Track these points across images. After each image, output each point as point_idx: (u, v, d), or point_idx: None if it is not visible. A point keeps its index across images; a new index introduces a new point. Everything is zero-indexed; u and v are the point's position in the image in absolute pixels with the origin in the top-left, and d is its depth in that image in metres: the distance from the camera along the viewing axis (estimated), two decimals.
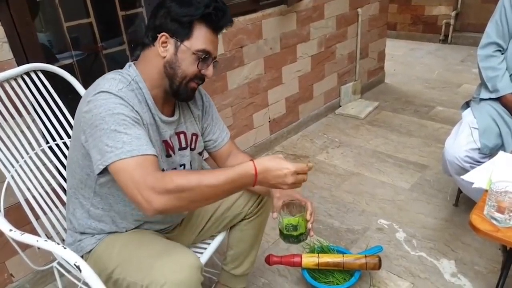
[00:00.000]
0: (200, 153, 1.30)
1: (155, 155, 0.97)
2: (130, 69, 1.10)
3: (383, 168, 2.48)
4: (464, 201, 2.04)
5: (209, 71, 1.09)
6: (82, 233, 1.17)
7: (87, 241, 1.16)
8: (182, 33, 1.05)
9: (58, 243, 1.07)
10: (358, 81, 3.46)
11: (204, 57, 1.06)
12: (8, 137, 1.37)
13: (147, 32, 1.09)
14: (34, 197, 1.37)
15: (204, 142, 1.30)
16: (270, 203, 1.37)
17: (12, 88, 1.39)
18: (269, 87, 2.67)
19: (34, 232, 1.33)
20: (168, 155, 1.16)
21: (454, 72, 4.06)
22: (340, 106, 3.38)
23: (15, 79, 1.40)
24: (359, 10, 3.19)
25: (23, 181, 1.36)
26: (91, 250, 1.16)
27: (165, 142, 1.15)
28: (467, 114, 1.85)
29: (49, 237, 1.39)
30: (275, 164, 0.97)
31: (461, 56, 4.50)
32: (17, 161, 1.37)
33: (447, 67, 4.21)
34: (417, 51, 4.84)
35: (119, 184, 0.95)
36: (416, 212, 2.07)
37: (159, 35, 1.05)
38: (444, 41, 5.01)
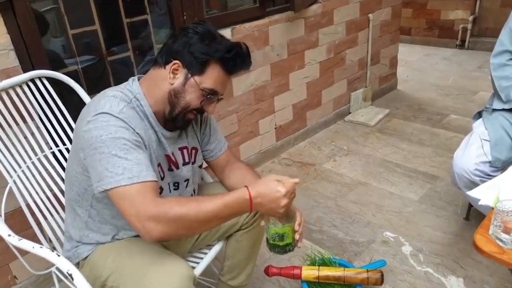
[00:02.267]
0: (200, 166, 1.34)
1: (155, 181, 1.01)
2: (133, 85, 1.12)
3: (391, 178, 2.47)
4: (476, 215, 2.02)
5: (211, 108, 1.14)
6: (78, 241, 1.21)
7: (83, 248, 1.20)
8: (195, 67, 1.07)
9: (52, 250, 1.11)
10: (369, 88, 3.46)
11: (211, 96, 1.10)
12: (12, 142, 1.42)
13: (161, 53, 1.12)
14: (35, 202, 1.42)
15: (203, 151, 1.34)
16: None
17: (17, 95, 1.45)
18: (276, 93, 2.70)
19: (35, 237, 1.38)
20: (170, 169, 1.20)
21: (470, 78, 4.03)
22: (350, 113, 3.39)
23: (21, 86, 1.46)
24: (370, 15, 3.20)
25: (25, 186, 1.41)
26: (87, 257, 1.20)
27: (167, 157, 1.18)
28: (478, 125, 1.82)
29: (49, 242, 1.44)
30: (268, 189, 1.04)
31: (478, 62, 4.46)
32: (20, 166, 1.42)
33: (463, 74, 4.18)
34: (432, 56, 4.81)
35: (118, 208, 0.99)
36: (424, 225, 2.06)
37: (173, 62, 1.07)
38: (461, 46, 4.98)
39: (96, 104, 1.05)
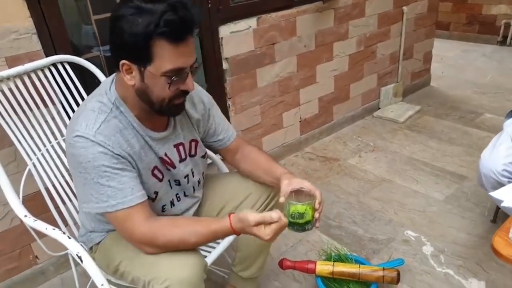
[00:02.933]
0: (203, 156, 1.31)
1: (141, 202, 1.02)
2: (111, 90, 1.06)
3: (417, 177, 2.38)
4: (503, 218, 1.91)
5: (187, 85, 1.01)
6: (91, 231, 1.24)
7: (96, 233, 1.22)
8: (141, 58, 0.95)
9: (64, 233, 1.14)
10: (400, 83, 3.35)
11: (176, 77, 0.97)
12: (33, 125, 1.45)
13: (111, 54, 1.02)
14: (54, 185, 1.45)
15: (210, 142, 1.32)
16: (278, 207, 1.36)
17: (39, 79, 1.48)
18: (302, 85, 2.65)
19: (53, 220, 1.41)
20: (168, 169, 1.18)
21: (510, 77, 3.82)
22: (379, 108, 3.29)
23: (42, 70, 1.49)
24: (404, 8, 3.08)
25: (44, 170, 1.44)
26: (100, 242, 1.21)
27: (161, 159, 1.15)
28: (510, 123, 1.74)
29: (66, 225, 1.47)
30: (245, 220, 1.02)
31: None
32: (39, 150, 1.45)
33: (502, 71, 3.97)
34: (471, 53, 4.60)
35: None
36: (448, 225, 1.98)
37: (120, 63, 0.97)
38: (502, 43, 4.73)
39: (75, 121, 1.03)
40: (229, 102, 2.27)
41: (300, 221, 1.11)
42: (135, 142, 1.07)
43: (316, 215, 1.12)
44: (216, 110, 1.31)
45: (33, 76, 1.47)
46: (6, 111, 1.39)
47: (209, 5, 2.01)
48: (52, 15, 1.55)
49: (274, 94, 2.50)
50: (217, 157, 1.58)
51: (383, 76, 3.23)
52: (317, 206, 1.12)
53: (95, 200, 1.00)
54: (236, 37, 2.18)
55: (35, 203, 1.51)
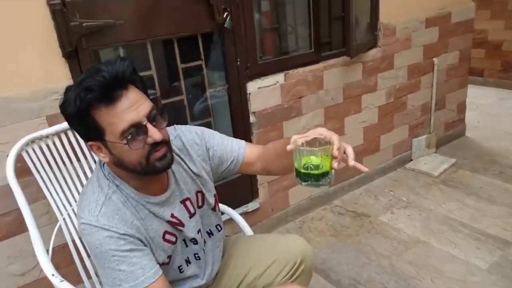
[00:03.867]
0: (214, 209, 1.28)
1: (154, 281, 1.03)
2: (104, 166, 1.08)
3: (455, 239, 2.29)
4: None
5: (152, 137, 0.97)
6: None
7: None
8: (94, 132, 0.97)
9: None
10: (433, 134, 3.31)
11: (130, 135, 0.95)
12: (66, 181, 1.54)
13: None
14: (80, 239, 1.51)
15: (223, 171, 1.29)
16: (307, 275, 1.35)
17: (75, 135, 1.57)
18: None
19: (78, 273, 1.47)
20: (179, 230, 1.17)
21: None
22: (411, 160, 3.25)
23: None
24: (435, 59, 3.11)
25: (73, 224, 1.50)
26: None
27: (169, 222, 1.14)
28: None
29: (89, 278, 1.51)
30: None
31: None
32: (71, 205, 1.52)
33: None
34: (508, 101, 4.52)
35: None
36: None
37: (87, 146, 1.04)
38: None
39: (80, 205, 1.07)
40: None
41: (315, 172, 0.94)
42: (138, 214, 1.07)
43: (334, 164, 0.95)
44: (212, 140, 1.26)
45: (69, 133, 1.57)
46: (43, 167, 1.48)
47: (238, 63, 2.11)
48: None
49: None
50: (238, 216, 1.61)
51: (414, 127, 3.21)
52: (335, 152, 0.94)
53: (111, 284, 1.02)
54: (264, 92, 2.25)
55: (62, 255, 1.57)
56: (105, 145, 0.98)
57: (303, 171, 0.94)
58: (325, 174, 0.94)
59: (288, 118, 2.41)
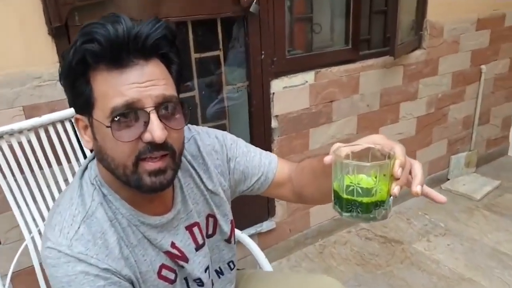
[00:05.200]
0: (228, 240, 0.97)
1: None
2: (92, 167, 0.80)
3: (507, 278, 1.95)
4: None
5: (154, 131, 0.67)
6: None
7: None
8: (82, 101, 0.70)
9: None
10: (474, 152, 2.96)
11: (120, 117, 0.67)
12: (39, 188, 1.23)
13: None
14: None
15: (245, 190, 1.00)
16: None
17: (57, 133, 1.27)
18: None
19: None
20: (181, 266, 0.86)
21: None
22: (448, 179, 2.91)
23: (62, 122, 1.28)
24: (483, 67, 2.76)
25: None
26: None
27: (167, 253, 0.84)
28: None
29: None
30: None
31: None
32: (44, 219, 1.22)
33: None
34: None
35: None
36: None
37: (73, 119, 0.77)
38: None
39: (49, 221, 0.77)
40: None
41: (364, 199, 0.63)
42: (128, 238, 0.78)
43: (395, 189, 0.63)
44: (236, 148, 0.96)
45: (51, 129, 1.26)
46: (11, 170, 1.17)
47: (262, 56, 1.79)
48: None
49: None
50: (257, 248, 1.29)
51: (454, 143, 2.87)
52: (397, 171, 0.62)
53: None
54: (290, 92, 1.94)
55: (27, 282, 1.29)
56: (91, 123, 0.71)
57: (345, 196, 0.64)
58: (379, 203, 0.63)
59: (316, 124, 2.09)
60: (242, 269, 1.21)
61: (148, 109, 0.68)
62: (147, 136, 0.68)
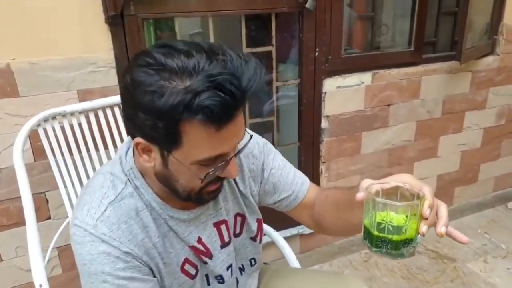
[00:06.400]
0: (254, 239, 0.97)
1: None
2: (128, 157, 0.80)
3: None
4: None
5: (228, 172, 0.74)
6: None
7: None
8: (164, 139, 0.67)
9: None
10: None
11: (213, 168, 0.71)
12: (85, 169, 1.29)
13: (124, 124, 0.81)
14: None
15: (271, 203, 0.99)
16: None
17: (105, 117, 1.32)
18: (418, 158, 2.22)
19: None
20: (204, 262, 0.88)
21: None
22: None
23: (112, 108, 1.33)
24: None
25: None
26: None
27: (192, 248, 0.85)
28: None
29: None
30: None
31: None
32: None
33: None
34: None
35: None
36: None
37: (134, 142, 0.71)
38: None
39: (79, 201, 0.80)
40: (322, 167, 1.93)
41: (394, 237, 0.66)
42: (155, 230, 0.80)
43: (423, 228, 0.66)
44: (273, 160, 0.96)
45: (100, 113, 1.31)
46: (61, 149, 1.24)
47: (316, 53, 1.74)
48: (136, 48, 1.41)
49: (381, 164, 2.11)
50: (282, 241, 1.26)
51: None
52: (426, 212, 0.66)
53: None
54: (343, 92, 1.86)
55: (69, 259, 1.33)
56: (164, 156, 0.70)
57: (376, 232, 0.67)
58: (408, 241, 0.67)
59: (370, 128, 2.00)
60: (268, 263, 1.21)
61: (230, 156, 0.73)
62: (224, 174, 0.75)
